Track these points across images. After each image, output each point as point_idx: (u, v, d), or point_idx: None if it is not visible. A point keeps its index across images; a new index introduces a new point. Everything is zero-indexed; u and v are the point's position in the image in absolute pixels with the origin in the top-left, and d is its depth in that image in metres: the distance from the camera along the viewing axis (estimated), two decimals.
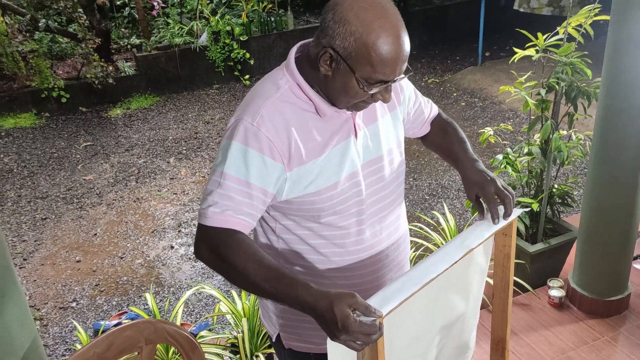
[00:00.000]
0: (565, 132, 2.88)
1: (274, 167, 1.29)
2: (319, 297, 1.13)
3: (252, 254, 1.26)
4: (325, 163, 1.33)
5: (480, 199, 1.43)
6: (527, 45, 2.70)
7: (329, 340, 1.11)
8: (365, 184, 1.40)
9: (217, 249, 1.28)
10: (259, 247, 1.31)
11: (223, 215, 1.28)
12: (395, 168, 1.48)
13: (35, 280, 3.73)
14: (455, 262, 1.21)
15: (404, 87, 1.53)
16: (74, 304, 3.51)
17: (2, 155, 5.51)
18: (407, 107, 1.55)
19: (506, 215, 1.37)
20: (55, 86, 6.26)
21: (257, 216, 1.33)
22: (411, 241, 2.92)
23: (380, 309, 1.08)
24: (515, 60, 2.72)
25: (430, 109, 1.67)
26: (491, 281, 1.53)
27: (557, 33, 2.66)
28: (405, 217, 1.61)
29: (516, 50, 2.72)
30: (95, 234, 4.21)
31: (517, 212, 1.38)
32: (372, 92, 1.24)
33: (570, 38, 2.64)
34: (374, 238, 1.45)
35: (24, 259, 3.95)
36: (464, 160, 1.52)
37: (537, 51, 2.66)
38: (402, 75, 1.27)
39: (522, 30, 2.76)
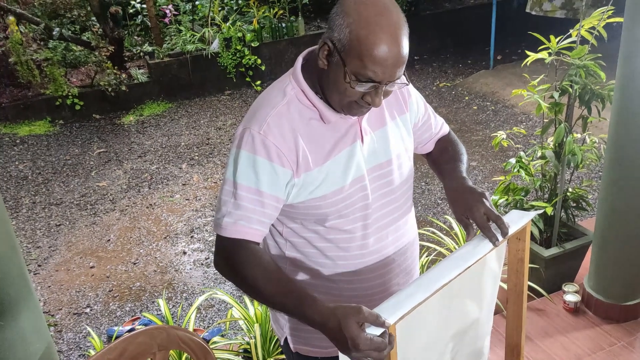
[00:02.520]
0: (579, 135, 2.85)
1: (284, 173, 1.30)
2: (327, 316, 1.13)
3: (264, 268, 1.28)
4: (331, 168, 1.33)
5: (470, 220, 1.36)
6: (539, 48, 2.68)
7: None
8: (372, 188, 1.40)
9: (230, 259, 1.31)
10: (271, 259, 1.32)
11: (236, 225, 1.30)
12: (404, 173, 1.47)
13: (49, 286, 3.76)
14: (468, 267, 1.20)
15: (412, 95, 1.51)
16: (87, 310, 3.53)
17: (17, 163, 5.57)
18: (416, 117, 1.54)
19: (503, 234, 1.30)
20: (69, 94, 6.32)
21: (269, 223, 1.35)
22: (423, 246, 2.91)
23: (393, 315, 1.07)
24: (528, 64, 2.70)
25: (440, 127, 1.64)
26: (505, 286, 1.51)
27: (570, 35, 2.63)
28: (415, 223, 1.59)
29: (529, 53, 2.70)
30: (109, 240, 4.24)
31: (530, 215, 1.36)
32: (358, 89, 1.22)
33: (584, 40, 2.61)
34: (379, 242, 1.44)
35: (39, 265, 3.98)
36: (451, 176, 1.48)
37: (550, 54, 2.64)
38: (400, 82, 1.24)
39: (534, 34, 2.74)
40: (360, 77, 1.20)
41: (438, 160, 1.61)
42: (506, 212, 2.96)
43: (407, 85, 1.28)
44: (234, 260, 1.30)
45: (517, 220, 1.34)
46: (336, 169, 1.34)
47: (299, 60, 1.36)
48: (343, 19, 1.19)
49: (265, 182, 1.29)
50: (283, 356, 2.38)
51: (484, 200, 1.33)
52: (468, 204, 1.35)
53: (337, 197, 1.35)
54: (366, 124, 1.39)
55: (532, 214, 1.37)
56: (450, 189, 1.44)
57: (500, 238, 1.29)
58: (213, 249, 3.98)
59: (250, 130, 1.30)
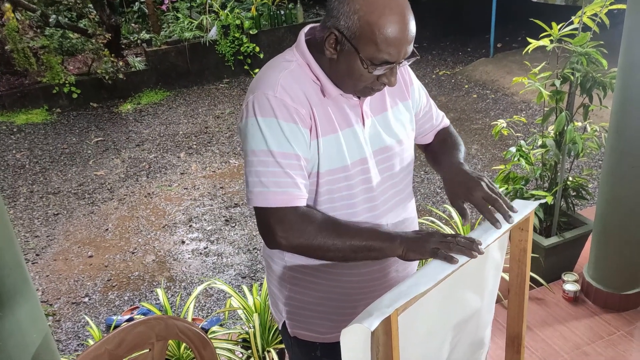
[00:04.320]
0: (580, 124, 2.83)
1: (307, 133, 1.29)
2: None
3: (331, 225, 1.27)
4: (333, 145, 1.32)
5: (465, 205, 1.33)
6: (541, 35, 2.66)
7: (343, 331, 1.08)
8: (374, 171, 1.39)
9: (296, 229, 1.26)
10: (326, 215, 1.32)
11: (286, 194, 1.26)
12: (405, 159, 1.46)
13: (47, 276, 3.75)
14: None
15: (414, 82, 1.50)
16: (86, 299, 3.53)
17: (14, 151, 5.54)
18: (417, 106, 1.52)
19: (505, 217, 1.26)
20: (66, 82, 6.28)
21: (308, 184, 1.32)
22: None
23: (395, 304, 1.05)
24: (529, 51, 2.67)
25: (441, 120, 1.64)
26: (506, 276, 1.50)
27: (572, 23, 2.61)
28: (414, 210, 1.58)
29: (530, 40, 2.67)
30: (107, 229, 4.23)
31: (533, 204, 1.35)
32: (376, 73, 1.23)
33: (586, 28, 2.59)
34: (379, 228, 1.43)
35: (37, 255, 3.97)
36: (448, 162, 1.45)
37: (551, 41, 2.61)
38: (408, 60, 1.25)
39: (536, 20, 2.71)
40: (375, 61, 1.21)
41: (436, 151, 1.59)
42: None
43: (417, 57, 1.27)
44: (303, 226, 1.25)
45: (520, 210, 1.32)
46: (337, 148, 1.32)
47: (302, 35, 1.35)
48: (349, 6, 1.18)
49: (297, 144, 1.27)
50: (282, 345, 2.38)
51: (482, 183, 1.31)
52: (465, 186, 1.33)
53: (338, 175, 1.33)
54: (367, 108, 1.38)
55: (535, 203, 1.35)
56: (447, 175, 1.41)
57: (502, 221, 1.27)
58: (212, 238, 3.99)
59: (266, 95, 1.27)
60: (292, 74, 1.30)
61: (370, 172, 1.38)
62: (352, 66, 1.23)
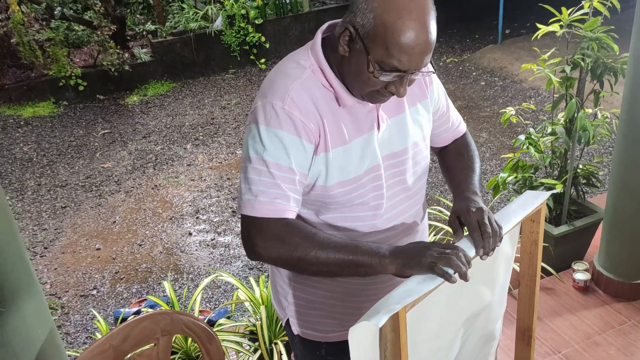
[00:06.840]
0: (590, 111, 2.78)
1: (310, 148, 1.24)
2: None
3: (315, 237, 1.21)
4: (346, 156, 1.27)
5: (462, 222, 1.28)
6: (550, 20, 2.61)
7: (351, 329, 1.05)
8: (386, 176, 1.34)
9: (277, 240, 1.22)
10: (313, 228, 1.26)
11: (273, 204, 1.22)
12: (419, 162, 1.41)
13: (56, 269, 3.76)
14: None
15: (434, 82, 1.43)
16: (94, 292, 3.53)
17: (21, 144, 5.55)
18: (435, 106, 1.46)
19: (484, 251, 1.16)
20: (73, 74, 6.27)
21: (301, 200, 1.28)
22: (430, 225, 2.87)
23: (403, 301, 1.03)
24: (538, 37, 2.62)
25: (459, 123, 1.57)
26: (517, 267, 1.47)
27: (582, 7, 2.55)
28: (425, 214, 1.54)
29: (539, 26, 2.62)
30: (114, 222, 4.23)
31: (544, 195, 1.31)
32: (383, 79, 1.15)
33: (596, 12, 2.53)
34: (388, 232, 1.39)
35: (45, 248, 3.98)
36: (462, 187, 1.39)
37: (561, 26, 2.56)
38: (424, 71, 1.17)
39: (545, 5, 2.66)
40: (384, 66, 1.13)
41: (452, 166, 1.54)
42: (515, 190, 2.91)
43: (433, 73, 1.20)
44: (284, 239, 1.21)
45: (532, 201, 1.29)
46: (351, 158, 1.27)
47: (319, 35, 1.28)
48: (367, 3, 1.11)
49: (296, 159, 1.22)
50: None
51: (485, 211, 1.25)
52: (467, 207, 1.27)
53: (350, 186, 1.29)
54: (383, 111, 1.31)
55: (547, 194, 1.31)
56: (456, 198, 1.37)
57: (506, 217, 1.21)
58: (219, 229, 3.98)
59: (274, 105, 1.22)
60: (305, 84, 1.24)
61: (382, 178, 1.33)
62: (361, 67, 1.16)
